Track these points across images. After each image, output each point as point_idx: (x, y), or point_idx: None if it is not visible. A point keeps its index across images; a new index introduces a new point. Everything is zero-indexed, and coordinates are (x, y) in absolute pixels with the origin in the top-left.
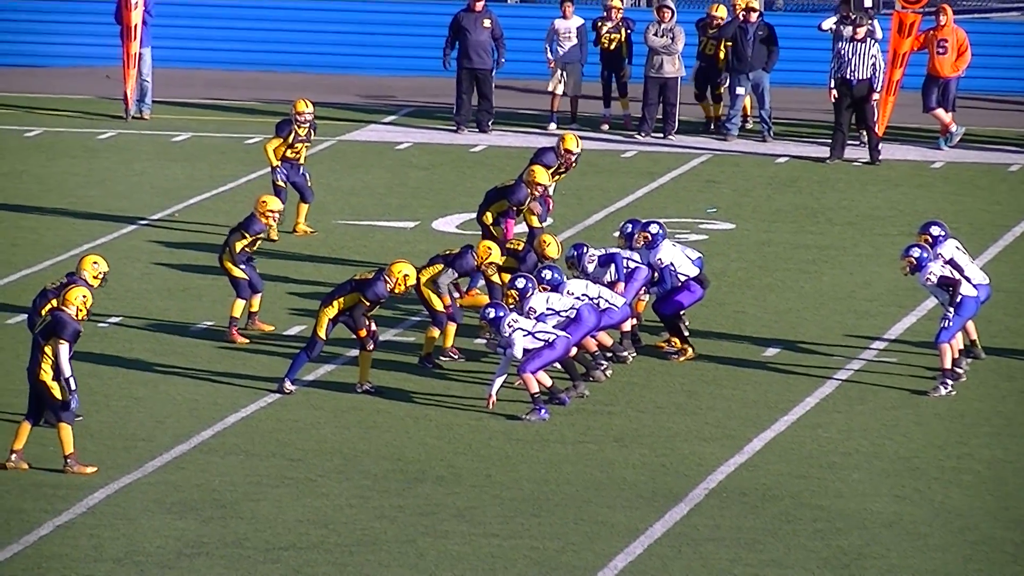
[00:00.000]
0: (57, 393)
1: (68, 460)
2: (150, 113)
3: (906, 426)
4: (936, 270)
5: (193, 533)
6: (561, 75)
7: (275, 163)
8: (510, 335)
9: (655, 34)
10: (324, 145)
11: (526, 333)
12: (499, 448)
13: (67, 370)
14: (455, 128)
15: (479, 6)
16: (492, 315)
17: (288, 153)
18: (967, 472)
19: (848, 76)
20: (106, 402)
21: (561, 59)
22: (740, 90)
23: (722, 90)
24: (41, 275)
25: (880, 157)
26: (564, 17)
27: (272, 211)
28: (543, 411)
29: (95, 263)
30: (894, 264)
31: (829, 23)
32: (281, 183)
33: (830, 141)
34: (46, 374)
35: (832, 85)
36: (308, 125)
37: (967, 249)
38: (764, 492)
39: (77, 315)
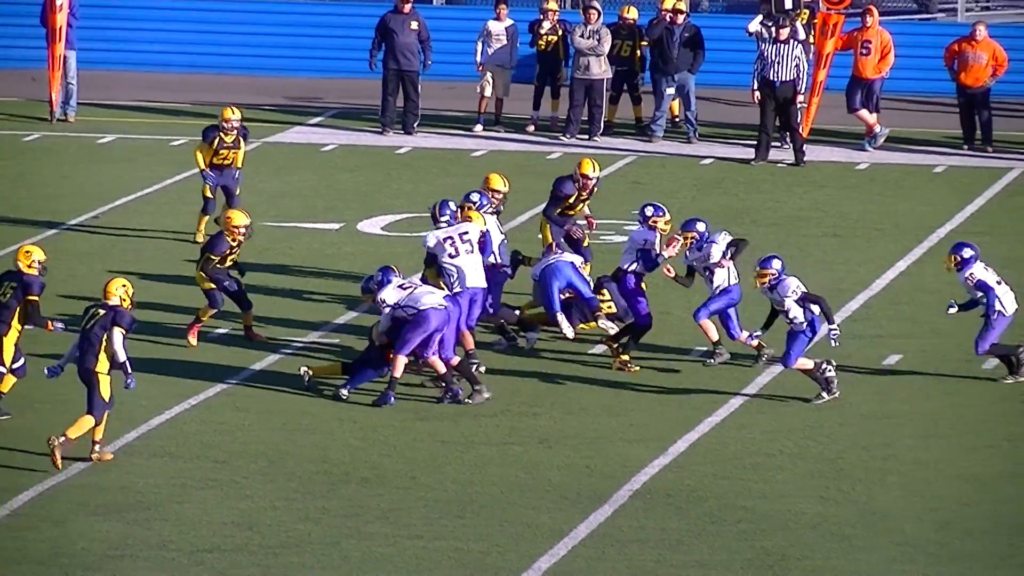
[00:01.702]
0: (104, 391)
1: (86, 445)
2: (75, 115)
3: (830, 427)
4: (979, 272)
5: (118, 535)
6: (490, 77)
7: (202, 166)
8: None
9: (582, 35)
10: (250, 147)
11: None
12: (424, 450)
13: (122, 355)
14: (380, 130)
15: (406, 8)
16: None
17: (215, 159)
18: (892, 473)
19: (772, 78)
20: (31, 404)
21: (491, 61)
22: (668, 91)
23: (640, 91)
24: None
25: (805, 158)
26: (498, 19)
27: (238, 226)
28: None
29: (27, 252)
30: (820, 265)
31: (755, 25)
32: (209, 193)
33: (755, 143)
34: (102, 365)
35: (755, 87)
36: (235, 132)
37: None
38: (689, 493)
39: (122, 304)
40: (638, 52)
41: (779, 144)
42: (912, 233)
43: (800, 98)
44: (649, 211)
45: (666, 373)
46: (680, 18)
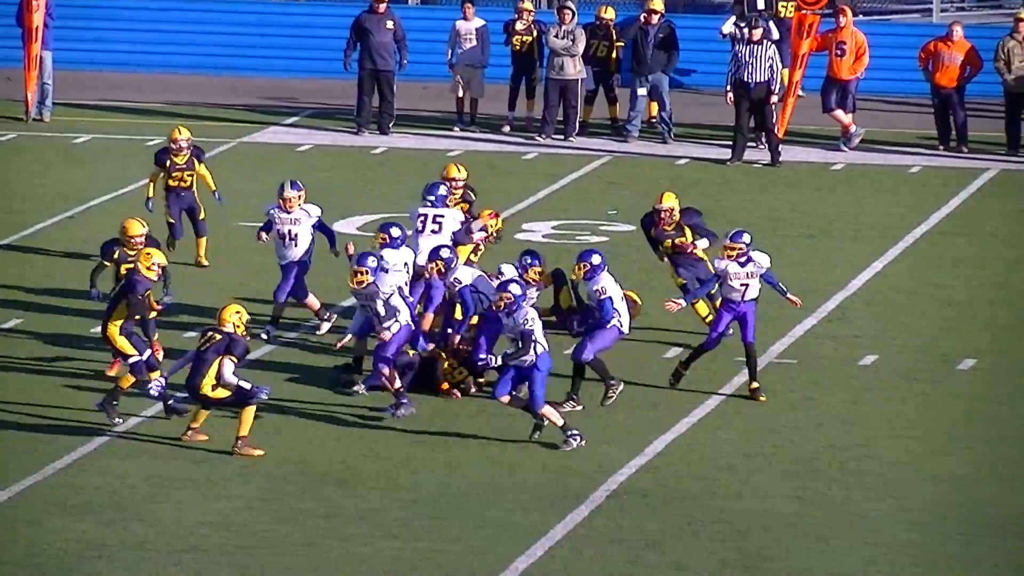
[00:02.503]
0: (222, 394)
1: (239, 441)
2: (51, 115)
3: (806, 428)
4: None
5: (94, 535)
6: (461, 77)
7: (148, 194)
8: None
9: (556, 36)
10: (225, 147)
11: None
12: (401, 450)
13: (235, 380)
14: (355, 130)
15: (381, 8)
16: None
17: (171, 183)
18: (868, 474)
19: (746, 79)
20: (5, 405)
21: (461, 61)
22: (641, 91)
23: (616, 91)
24: None
25: (781, 159)
26: (465, 19)
27: (133, 236)
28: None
29: (148, 254)
30: (796, 266)
31: (728, 26)
32: (171, 218)
33: (731, 143)
34: (206, 387)
35: (729, 88)
36: (186, 152)
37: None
38: (665, 494)
39: (236, 331)
40: (614, 52)
41: (755, 144)
42: (888, 233)
43: (774, 98)
44: (527, 260)
45: (642, 372)
46: (655, 18)
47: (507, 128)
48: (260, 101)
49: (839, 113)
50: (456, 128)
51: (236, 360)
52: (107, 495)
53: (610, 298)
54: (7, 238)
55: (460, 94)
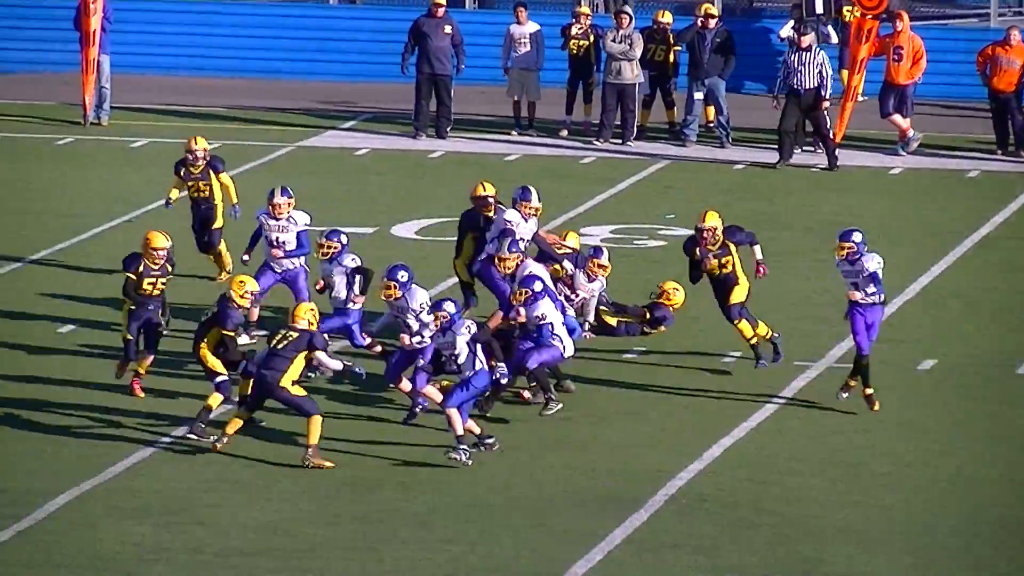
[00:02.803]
0: (300, 392)
1: (309, 450)
2: (108, 119)
3: (864, 433)
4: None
5: (152, 539)
6: (518, 81)
7: (171, 197)
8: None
9: (613, 40)
10: (283, 151)
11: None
12: None
13: (336, 363)
14: (413, 134)
15: (440, 12)
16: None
17: (189, 193)
18: (924, 480)
19: (795, 85)
20: (63, 409)
21: (516, 65)
22: (698, 96)
23: (674, 95)
24: None
25: (838, 163)
26: (519, 23)
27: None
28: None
29: (240, 282)
30: None
31: (786, 30)
32: (194, 230)
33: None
34: (287, 380)
35: (776, 93)
36: (202, 163)
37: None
38: (723, 499)
39: (310, 327)
40: (671, 56)
41: (813, 149)
42: (946, 238)
43: (825, 104)
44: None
45: (699, 377)
46: (711, 23)
47: (564, 132)
48: (318, 105)
49: (897, 118)
50: (514, 132)
51: (323, 350)
52: (165, 498)
53: (551, 324)
54: (65, 242)
55: (516, 98)
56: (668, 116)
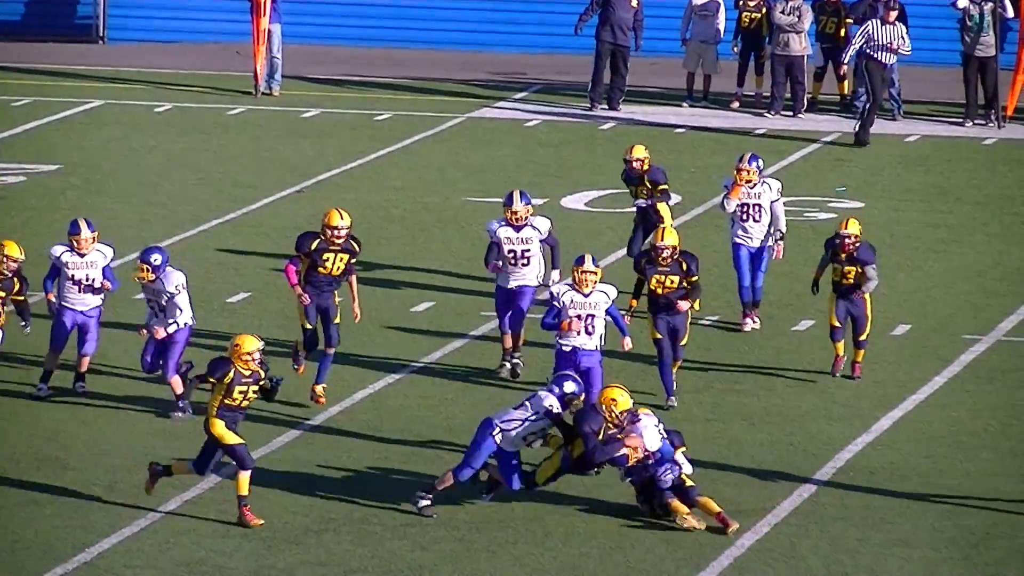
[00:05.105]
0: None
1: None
2: (279, 89)
3: None
4: None
5: (320, 509)
6: (696, 53)
7: (295, 283)
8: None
9: (782, 12)
10: (455, 121)
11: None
12: None
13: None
14: (589, 105)
15: None
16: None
17: (317, 269)
18: None
19: (876, 56)
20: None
21: (695, 36)
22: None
23: (844, 69)
24: (171, 251)
25: (1008, 132)
26: None
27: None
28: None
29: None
30: (1023, 244)
31: (964, 1)
32: (308, 324)
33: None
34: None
35: (845, 61)
36: (341, 243)
37: None
38: (892, 471)
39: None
40: (842, 29)
41: (984, 122)
42: None
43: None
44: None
45: (870, 348)
46: None
47: (735, 104)
48: (489, 76)
49: None
50: (685, 104)
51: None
52: (333, 469)
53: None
54: (235, 211)
55: (691, 70)
56: (839, 88)
